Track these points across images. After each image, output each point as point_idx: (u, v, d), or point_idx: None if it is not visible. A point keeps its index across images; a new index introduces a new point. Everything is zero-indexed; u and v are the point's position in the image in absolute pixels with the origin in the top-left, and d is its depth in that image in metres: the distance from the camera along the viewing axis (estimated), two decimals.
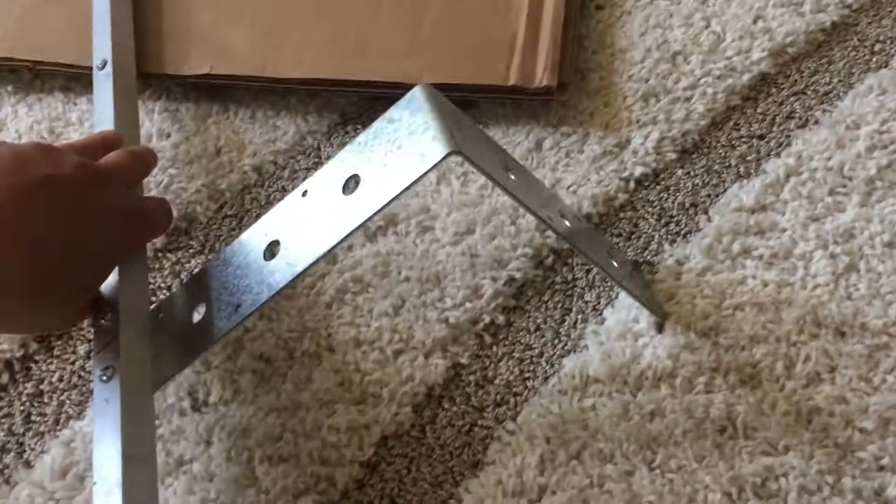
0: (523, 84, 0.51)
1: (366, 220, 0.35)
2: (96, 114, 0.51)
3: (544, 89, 0.51)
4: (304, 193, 0.38)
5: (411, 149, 0.34)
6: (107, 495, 0.35)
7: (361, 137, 0.37)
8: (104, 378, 0.40)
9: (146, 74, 0.54)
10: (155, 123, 0.54)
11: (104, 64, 0.52)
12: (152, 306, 0.44)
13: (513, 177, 0.38)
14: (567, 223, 0.40)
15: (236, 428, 0.42)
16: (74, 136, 0.54)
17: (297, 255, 0.37)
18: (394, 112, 0.36)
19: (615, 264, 0.43)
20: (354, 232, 0.35)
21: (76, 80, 0.56)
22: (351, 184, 0.36)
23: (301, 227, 0.38)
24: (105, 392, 0.39)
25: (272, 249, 0.38)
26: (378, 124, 0.36)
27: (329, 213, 0.37)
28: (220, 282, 0.40)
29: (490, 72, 0.52)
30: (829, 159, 0.49)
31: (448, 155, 0.33)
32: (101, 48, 0.53)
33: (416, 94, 0.36)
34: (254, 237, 0.40)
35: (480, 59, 0.52)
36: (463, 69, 0.52)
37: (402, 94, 0.36)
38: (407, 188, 0.34)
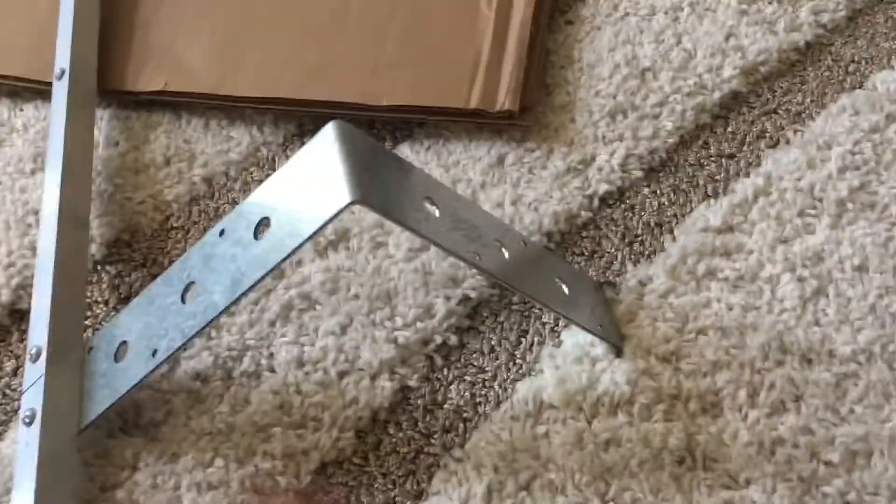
0: (484, 108, 0.49)
1: (273, 269, 0.34)
2: (51, 123, 0.49)
3: (506, 113, 0.49)
4: (222, 233, 0.37)
5: (317, 193, 0.33)
6: None
7: (276, 175, 0.36)
8: (27, 421, 0.38)
9: (101, 90, 0.52)
10: (103, 131, 0.52)
11: (62, 74, 0.51)
12: (86, 335, 0.42)
13: (437, 213, 0.36)
14: (506, 254, 0.38)
15: (165, 452, 0.39)
16: (18, 143, 0.52)
17: (210, 300, 0.36)
18: (306, 151, 0.35)
19: (566, 290, 0.41)
20: (263, 279, 0.34)
21: (24, 87, 0.54)
22: (262, 226, 0.35)
23: (216, 270, 0.36)
24: (26, 436, 0.38)
25: (188, 291, 0.37)
26: (291, 162, 0.35)
27: (241, 256, 0.35)
28: (144, 321, 0.38)
29: (451, 94, 0.50)
30: (799, 180, 0.47)
31: (350, 204, 0.31)
32: (61, 58, 0.52)
33: (328, 131, 0.34)
34: (174, 276, 0.38)
35: (442, 81, 0.51)
36: (424, 91, 0.51)
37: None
38: (310, 238, 0.33)
